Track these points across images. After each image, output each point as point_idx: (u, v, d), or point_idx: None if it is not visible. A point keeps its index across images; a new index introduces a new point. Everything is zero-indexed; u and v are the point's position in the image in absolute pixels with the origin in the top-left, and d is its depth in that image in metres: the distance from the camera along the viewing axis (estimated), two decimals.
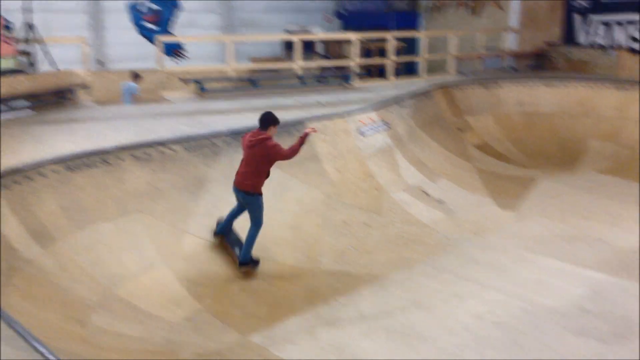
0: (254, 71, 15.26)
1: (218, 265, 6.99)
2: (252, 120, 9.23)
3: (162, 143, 7.76)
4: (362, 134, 9.97)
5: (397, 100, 11.58)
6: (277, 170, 8.42)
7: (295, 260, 7.36)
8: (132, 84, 11.80)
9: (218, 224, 7.35)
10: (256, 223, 6.88)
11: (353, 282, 6.90)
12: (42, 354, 3.19)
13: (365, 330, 5.85)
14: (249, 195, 6.80)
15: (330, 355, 5.42)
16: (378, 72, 17.17)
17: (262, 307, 6.34)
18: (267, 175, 6.88)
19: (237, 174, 6.89)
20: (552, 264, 7.38)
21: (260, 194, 6.86)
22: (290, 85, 13.53)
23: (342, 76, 14.41)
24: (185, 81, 12.70)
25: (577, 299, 6.36)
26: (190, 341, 5.55)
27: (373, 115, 10.52)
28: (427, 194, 9.50)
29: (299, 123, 9.24)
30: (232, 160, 8.12)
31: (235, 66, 13.30)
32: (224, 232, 7.26)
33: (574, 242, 8.09)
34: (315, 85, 14.02)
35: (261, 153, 6.71)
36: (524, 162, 12.21)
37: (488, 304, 6.35)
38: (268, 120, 6.82)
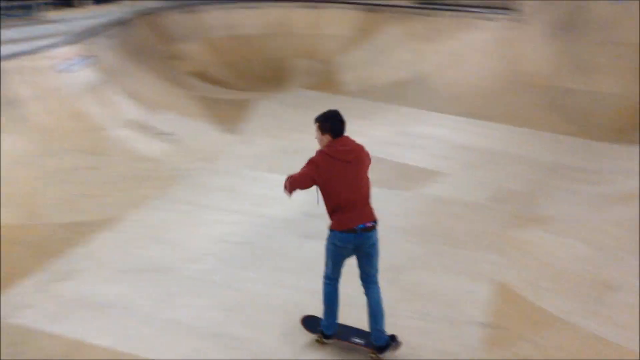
0: None
1: None
2: None
3: None
4: (63, 71, 9.06)
5: (97, 31, 10.76)
6: None
7: (17, 218, 6.58)
8: None
9: (309, 321, 4.78)
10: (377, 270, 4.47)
11: (87, 230, 6.52)
12: None
13: (107, 276, 5.66)
14: (375, 230, 4.29)
15: (72, 306, 5.14)
16: (68, 1, 15.56)
17: None
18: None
19: (347, 212, 4.21)
20: (278, 178, 7.91)
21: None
22: None
23: (26, 7, 12.65)
24: None
25: (300, 206, 6.96)
26: None
27: (74, 49, 9.62)
28: (150, 127, 9.25)
29: None
30: None
31: None
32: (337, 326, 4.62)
33: (292, 155, 8.79)
34: None
35: (368, 162, 4.40)
36: (239, 85, 12.67)
37: (227, 226, 6.66)
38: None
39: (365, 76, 12.51)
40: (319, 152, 4.29)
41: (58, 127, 8.28)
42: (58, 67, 9.01)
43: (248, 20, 14.20)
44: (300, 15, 14.11)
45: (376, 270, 4.38)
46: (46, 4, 12.92)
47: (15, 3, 13.28)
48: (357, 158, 4.27)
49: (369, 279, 4.37)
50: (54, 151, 7.86)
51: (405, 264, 5.81)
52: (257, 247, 6.21)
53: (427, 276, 5.64)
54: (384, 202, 7.12)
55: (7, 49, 8.92)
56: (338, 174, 4.17)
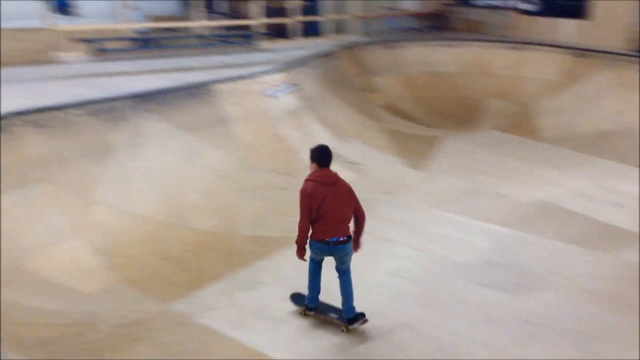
0: (155, 30, 14.56)
1: (133, 235, 6.73)
2: (155, 82, 8.91)
3: (60, 108, 7.26)
4: (270, 96, 9.85)
5: (303, 62, 11.53)
6: (185, 135, 8.21)
7: (213, 226, 7.25)
8: None
9: (297, 297, 5.80)
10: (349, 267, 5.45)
11: (272, 246, 6.92)
12: None
13: (286, 292, 5.92)
14: (348, 244, 5.25)
15: (249, 317, 5.45)
16: (282, 33, 16.95)
17: (182, 275, 6.23)
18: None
19: (326, 227, 5.15)
20: (458, 219, 7.78)
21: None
22: (193, 46, 13.06)
23: (245, 36, 14.09)
24: (78, 41, 11.89)
25: (482, 252, 6.76)
26: (107, 312, 5.36)
27: (281, 76, 10.42)
28: (339, 155, 9.61)
29: (203, 85, 8.98)
30: (139, 125, 7.79)
31: (131, 25, 12.59)
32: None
33: (478, 197, 8.56)
34: (219, 45, 13.63)
35: (350, 190, 5.30)
36: (429, 121, 12.66)
37: (401, 260, 6.62)
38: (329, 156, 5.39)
39: (566, 123, 11.73)
40: (306, 181, 5.21)
41: (259, 147, 8.97)
42: (266, 92, 9.80)
43: (445, 57, 14.21)
44: (499, 56, 13.76)
45: (347, 267, 5.34)
46: (263, 34, 14.22)
47: (236, 32, 14.83)
48: (338, 182, 5.20)
49: (341, 272, 5.35)
50: (252, 169, 8.52)
51: (597, 333, 5.26)
52: (430, 287, 6.08)
53: (620, 349, 5.04)
54: (575, 260, 6.58)
55: (223, 73, 9.95)
56: (325, 195, 5.08)
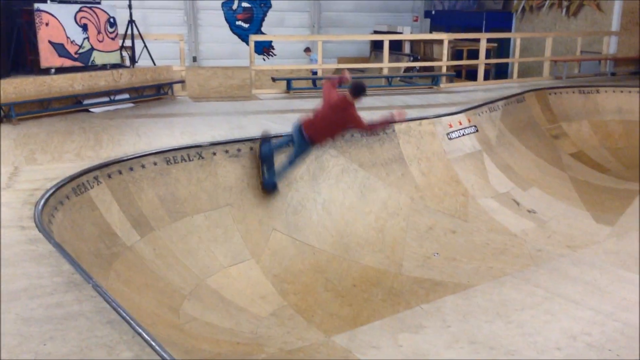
0: (341, 71, 15.29)
1: (302, 263, 7.07)
2: None
3: (252, 140, 7.93)
4: (449, 137, 9.78)
5: (487, 104, 11.27)
6: (361, 171, 8.46)
7: (379, 263, 7.33)
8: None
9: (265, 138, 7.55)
10: (296, 156, 7.39)
11: (437, 289, 6.79)
12: (144, 338, 3.34)
13: (449, 340, 5.74)
14: (310, 144, 7.22)
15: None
16: (468, 74, 16.81)
17: (345, 308, 6.36)
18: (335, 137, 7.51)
19: (312, 123, 7.13)
20: None
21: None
22: (378, 86, 13.48)
23: (430, 77, 14.21)
24: (274, 79, 12.94)
25: None
26: (275, 336, 5.65)
27: (461, 118, 10.29)
28: (516, 202, 9.19)
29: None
30: (319, 158, 8.21)
31: (322, 65, 13.40)
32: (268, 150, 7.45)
33: None
34: (403, 86, 13.90)
35: (343, 119, 7.01)
36: (622, 173, 11.54)
37: (582, 323, 6.06)
38: (360, 90, 6.97)
39: None
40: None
41: (433, 187, 8.92)
42: (445, 133, 9.75)
43: None
44: None
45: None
46: (448, 75, 14.21)
47: (421, 73, 15.02)
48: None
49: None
50: (422, 208, 8.48)
51: None
52: (612, 356, 5.47)
53: None
54: None
55: (406, 113, 10.10)
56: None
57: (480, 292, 6.73)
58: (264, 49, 20.15)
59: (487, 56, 15.35)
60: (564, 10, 18.17)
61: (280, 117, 9.71)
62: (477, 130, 10.32)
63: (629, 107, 13.03)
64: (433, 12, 21.97)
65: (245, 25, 19.79)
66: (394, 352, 5.52)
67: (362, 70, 15.95)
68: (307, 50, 17.05)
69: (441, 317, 6.20)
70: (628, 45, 16.23)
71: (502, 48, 18.55)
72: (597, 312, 6.29)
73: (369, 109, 10.51)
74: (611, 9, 16.76)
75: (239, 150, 7.69)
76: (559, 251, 7.90)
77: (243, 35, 19.53)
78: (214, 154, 7.45)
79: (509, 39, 18.44)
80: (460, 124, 10.16)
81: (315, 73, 14.84)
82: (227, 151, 7.59)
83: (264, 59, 20.14)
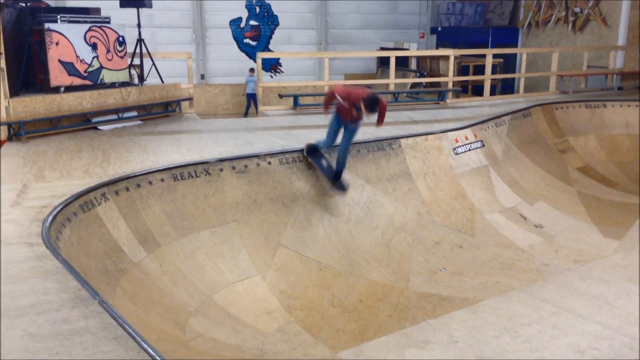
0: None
1: (308, 279, 7.08)
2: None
3: (258, 156, 7.99)
4: (455, 152, 9.80)
5: (493, 119, 11.30)
6: (368, 186, 8.49)
7: (385, 278, 7.32)
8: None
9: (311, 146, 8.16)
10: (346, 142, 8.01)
11: (443, 304, 6.77)
12: (149, 354, 3.36)
13: (456, 355, 5.71)
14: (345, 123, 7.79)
15: None
16: (474, 90, 16.86)
17: (351, 324, 6.35)
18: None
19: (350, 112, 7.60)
20: None
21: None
22: None
23: (436, 93, 14.27)
24: (281, 96, 13.05)
25: None
26: (281, 353, 5.65)
27: (468, 133, 10.32)
28: (523, 217, 9.17)
29: (390, 140, 9.25)
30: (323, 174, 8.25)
31: (329, 82, 13.50)
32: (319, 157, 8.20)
33: None
34: (409, 102, 13.96)
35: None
36: (630, 187, 11.49)
37: (590, 338, 6.01)
38: (374, 104, 7.38)
39: None
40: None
41: (438, 202, 8.93)
42: (451, 148, 9.78)
43: None
44: None
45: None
46: (454, 91, 14.27)
47: (427, 89, 15.10)
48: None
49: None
50: (429, 223, 8.49)
51: None
52: None
53: None
54: None
55: (411, 128, 10.17)
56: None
57: (488, 307, 6.69)
58: (272, 66, 20.33)
59: (494, 71, 15.37)
60: (570, 26, 18.23)
61: (288, 133, 9.78)
62: (483, 145, 10.33)
63: (636, 121, 13.01)
64: (439, 29, 22.10)
65: (253, 43, 19.99)
66: None
67: (368, 87, 16.02)
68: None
69: (448, 332, 6.17)
70: (634, 60, 16.24)
71: (508, 63, 18.60)
72: (605, 326, 6.24)
73: (373, 124, 10.56)
74: (617, 23, 16.80)
75: (245, 166, 7.75)
76: (566, 265, 7.87)
77: (251, 53, 19.72)
78: (221, 170, 7.51)
79: (515, 55, 18.50)
80: (467, 139, 10.18)
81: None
82: (234, 167, 7.65)
83: (272, 76, 20.31)
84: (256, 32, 20.06)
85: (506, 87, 17.75)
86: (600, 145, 12.67)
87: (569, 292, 7.08)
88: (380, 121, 7.74)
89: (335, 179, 8.04)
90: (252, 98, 12.85)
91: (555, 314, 6.54)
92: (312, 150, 8.17)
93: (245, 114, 11.65)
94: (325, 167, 8.14)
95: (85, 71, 10.11)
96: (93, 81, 10.28)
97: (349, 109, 7.48)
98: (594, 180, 11.59)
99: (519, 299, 6.87)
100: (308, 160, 8.21)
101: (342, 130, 7.89)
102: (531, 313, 6.55)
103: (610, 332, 6.13)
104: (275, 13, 20.16)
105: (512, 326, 6.26)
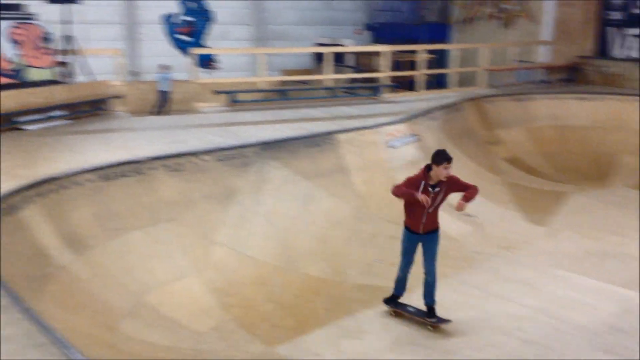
0: (284, 83, 15.40)
1: (244, 276, 7.06)
2: (281, 131, 9.43)
3: (193, 154, 7.90)
4: (390, 146, 9.97)
5: (426, 113, 11.56)
6: (304, 181, 8.54)
7: (322, 272, 7.39)
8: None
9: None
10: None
11: (380, 295, 6.86)
12: None
13: (390, 343, 5.85)
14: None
15: None
16: (408, 85, 17.17)
17: (288, 319, 6.38)
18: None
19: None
20: (583, 281, 7.26)
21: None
22: (320, 97, 13.63)
23: (372, 88, 14.46)
24: (217, 93, 12.90)
25: (607, 317, 6.24)
26: (217, 351, 5.62)
27: (402, 127, 10.52)
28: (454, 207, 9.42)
29: (325, 135, 9.33)
30: (262, 171, 8.23)
31: (266, 78, 13.46)
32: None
33: (605, 258, 7.96)
34: (345, 97, 14.10)
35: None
36: (555, 176, 12.05)
37: (516, 320, 6.28)
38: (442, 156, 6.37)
39: None
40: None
41: (374, 196, 9.06)
42: (386, 143, 9.95)
43: (577, 111, 13.51)
44: (637, 110, 12.82)
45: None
46: (389, 86, 14.51)
47: (362, 84, 15.29)
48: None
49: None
50: (365, 217, 8.61)
51: None
52: (547, 350, 5.69)
53: None
54: None
55: (347, 123, 10.28)
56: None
57: (421, 296, 6.86)
58: (207, 62, 20.04)
59: (430, 67, 15.71)
60: (501, 22, 18.86)
61: (224, 130, 9.70)
62: (418, 139, 10.56)
63: (561, 113, 13.61)
64: (375, 26, 22.36)
65: (188, 39, 19.66)
66: (335, 358, 5.58)
67: (306, 83, 16.09)
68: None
69: (383, 321, 6.31)
70: (560, 54, 16.97)
71: (441, 59, 19.03)
72: (531, 309, 6.53)
73: (311, 119, 10.68)
74: (543, 20, 17.50)
75: (179, 164, 7.65)
76: (495, 252, 8.17)
77: (185, 49, 19.36)
78: (154, 169, 7.38)
79: (449, 51, 18.97)
80: (401, 132, 10.38)
81: None
82: (167, 166, 7.54)
83: (209, 73, 20.02)
84: (190, 28, 19.74)
85: (439, 83, 18.15)
86: (527, 137, 13.19)
87: (497, 277, 7.37)
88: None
89: (431, 317, 6.16)
90: (165, 95, 12.33)
91: (484, 299, 6.80)
92: (393, 301, 6.49)
93: (159, 112, 11.37)
94: (414, 311, 6.36)
95: (9, 69, 9.71)
96: (18, 80, 9.88)
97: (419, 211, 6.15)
98: (521, 170, 12.08)
99: (450, 286, 7.06)
100: (393, 311, 6.43)
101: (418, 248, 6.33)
102: (461, 299, 6.78)
103: (536, 314, 6.42)
104: (210, 9, 19.90)
105: (445, 313, 6.45)
